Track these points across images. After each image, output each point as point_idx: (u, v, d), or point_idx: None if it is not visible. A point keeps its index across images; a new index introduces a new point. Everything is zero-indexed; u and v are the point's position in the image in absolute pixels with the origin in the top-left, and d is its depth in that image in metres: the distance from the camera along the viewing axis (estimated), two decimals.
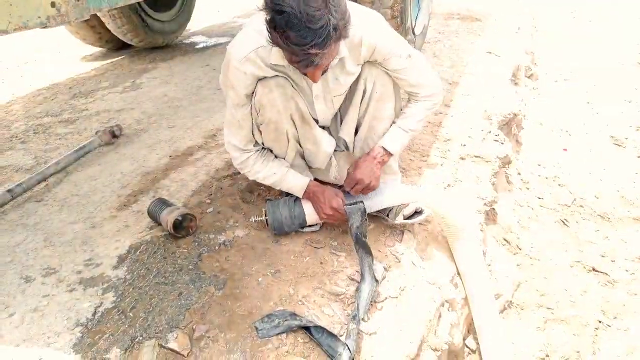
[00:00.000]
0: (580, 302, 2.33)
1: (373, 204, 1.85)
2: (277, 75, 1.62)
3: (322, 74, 1.55)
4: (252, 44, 1.54)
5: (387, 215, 1.94)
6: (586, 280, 2.47)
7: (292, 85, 1.66)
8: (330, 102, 1.76)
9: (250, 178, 1.84)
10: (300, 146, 1.84)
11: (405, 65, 1.72)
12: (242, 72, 1.57)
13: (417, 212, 1.91)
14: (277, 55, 1.52)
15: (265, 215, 1.83)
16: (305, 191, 1.82)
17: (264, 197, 2.09)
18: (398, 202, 1.88)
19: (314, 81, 1.53)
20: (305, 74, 1.51)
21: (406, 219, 1.90)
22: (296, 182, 1.82)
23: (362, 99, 1.80)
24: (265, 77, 1.62)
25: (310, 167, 1.96)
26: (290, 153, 1.83)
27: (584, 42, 6.06)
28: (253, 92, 1.64)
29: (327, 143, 1.86)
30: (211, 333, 1.48)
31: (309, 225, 1.89)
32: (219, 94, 3.41)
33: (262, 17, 1.36)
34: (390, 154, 1.82)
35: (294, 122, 1.73)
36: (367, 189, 1.79)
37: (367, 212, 1.75)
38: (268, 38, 1.37)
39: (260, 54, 1.55)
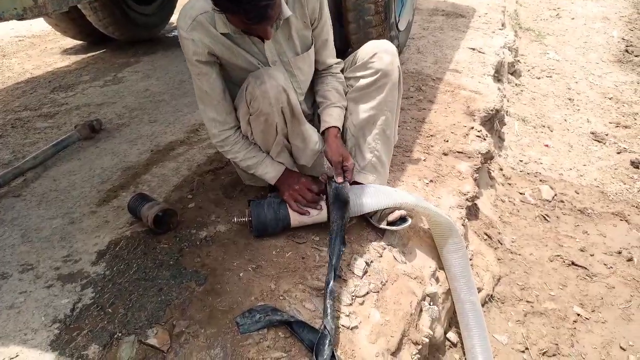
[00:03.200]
0: (559, 296, 2.37)
1: (358, 206, 1.83)
2: (266, 66, 1.67)
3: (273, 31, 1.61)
4: (197, 10, 1.58)
5: (371, 217, 1.93)
6: (565, 274, 2.51)
7: (287, 78, 1.72)
8: (289, 65, 1.78)
9: (227, 156, 1.86)
10: (288, 142, 1.84)
11: (330, 33, 1.87)
12: (190, 40, 1.59)
13: (401, 219, 1.89)
14: (221, 24, 1.58)
15: (249, 216, 1.79)
16: (279, 177, 1.83)
17: (246, 193, 2.08)
18: (384, 206, 1.86)
19: (268, 38, 1.58)
20: (257, 36, 1.59)
21: (389, 224, 1.89)
22: (273, 167, 1.83)
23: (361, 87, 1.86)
24: (254, 70, 1.66)
25: (296, 164, 1.96)
26: (276, 148, 1.82)
27: (566, 39, 6.14)
28: (208, 59, 1.64)
29: (315, 140, 1.86)
30: (191, 329, 1.47)
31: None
32: None
33: None
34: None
35: (284, 116, 1.72)
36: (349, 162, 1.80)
37: (352, 216, 1.81)
38: (214, 6, 1.45)
39: (208, 19, 1.58)
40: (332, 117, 1.86)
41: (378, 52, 1.81)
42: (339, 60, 1.96)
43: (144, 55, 4.24)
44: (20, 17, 1.68)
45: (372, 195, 1.84)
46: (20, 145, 2.68)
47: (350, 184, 1.86)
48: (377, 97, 1.85)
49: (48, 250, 1.83)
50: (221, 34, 1.60)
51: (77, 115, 3.04)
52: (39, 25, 5.02)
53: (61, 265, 1.75)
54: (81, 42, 4.61)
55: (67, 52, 4.46)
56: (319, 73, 1.95)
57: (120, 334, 1.45)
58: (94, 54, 4.35)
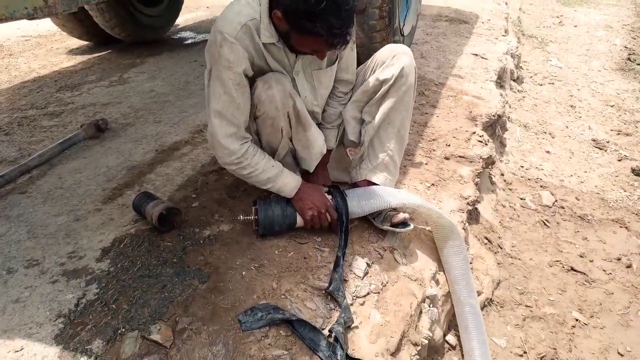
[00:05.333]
0: (558, 301, 2.39)
1: (363, 205, 1.87)
2: (275, 71, 1.68)
3: None
4: (245, 17, 1.56)
5: (374, 218, 1.96)
6: (564, 280, 2.52)
7: (295, 84, 1.75)
8: (311, 77, 1.80)
9: (244, 172, 1.73)
10: (292, 145, 1.87)
11: (354, 60, 1.93)
12: (237, 46, 1.55)
13: (403, 223, 1.92)
14: (267, 34, 1.58)
15: (255, 215, 1.80)
16: (297, 190, 1.82)
17: (249, 193, 2.10)
18: (389, 206, 1.89)
19: (323, 58, 1.65)
20: (309, 54, 1.64)
21: (392, 226, 1.91)
22: (291, 178, 1.80)
23: (382, 87, 1.88)
24: (263, 73, 1.67)
25: (298, 165, 1.98)
26: (282, 151, 1.84)
27: (569, 47, 6.16)
28: (246, 68, 1.61)
29: (318, 147, 1.89)
30: (194, 325, 1.49)
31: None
32: None
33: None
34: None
35: (289, 121, 1.74)
36: None
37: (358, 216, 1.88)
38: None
39: (254, 27, 1.58)
40: (327, 139, 1.97)
41: (397, 54, 1.85)
42: (350, 89, 1.99)
43: (149, 56, 4.28)
44: (31, 17, 1.71)
45: (377, 195, 1.87)
46: (26, 143, 2.71)
47: (361, 183, 1.96)
48: (395, 98, 1.88)
49: (53, 246, 1.85)
50: (264, 44, 1.61)
51: (82, 114, 3.07)
52: (46, 25, 5.06)
53: (66, 261, 1.77)
54: (87, 42, 4.65)
55: (73, 52, 4.50)
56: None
57: (123, 330, 1.47)
58: (99, 54, 4.39)
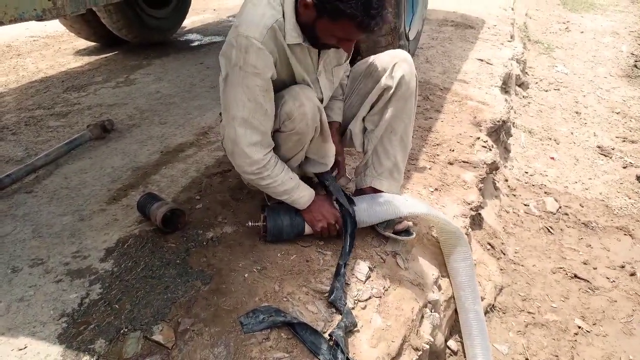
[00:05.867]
0: (560, 308, 2.38)
1: (371, 216, 1.87)
2: (298, 84, 1.67)
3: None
4: (270, 18, 1.50)
5: (377, 225, 1.95)
6: (567, 287, 2.51)
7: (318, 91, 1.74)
8: (331, 74, 1.80)
9: (263, 183, 1.69)
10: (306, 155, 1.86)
11: None
12: (265, 51, 1.49)
13: (406, 231, 1.92)
14: (294, 35, 1.54)
15: (263, 222, 1.80)
16: (311, 202, 1.81)
17: (253, 196, 2.11)
18: (396, 216, 1.89)
19: (350, 52, 1.62)
20: (336, 47, 1.60)
21: (395, 233, 1.92)
22: (306, 192, 1.78)
23: (383, 94, 1.87)
24: (289, 87, 1.64)
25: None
26: (294, 163, 1.83)
27: (575, 53, 6.16)
28: (273, 73, 1.55)
29: (333, 157, 1.89)
30: (196, 327, 1.50)
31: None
32: (212, 91, 3.43)
33: None
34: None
35: (314, 134, 1.72)
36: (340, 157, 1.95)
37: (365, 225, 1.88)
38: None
39: (280, 27, 1.52)
40: (334, 111, 1.94)
41: (397, 62, 1.83)
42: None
43: (155, 57, 4.30)
44: (40, 18, 1.73)
45: (386, 205, 1.87)
46: (33, 142, 2.73)
47: (366, 190, 1.97)
48: (397, 106, 1.87)
49: (58, 245, 1.87)
50: (288, 45, 1.56)
51: (89, 115, 3.09)
52: (53, 25, 5.09)
53: (70, 261, 1.78)
54: (94, 43, 4.68)
55: (80, 53, 4.53)
56: None
57: (126, 330, 1.48)
58: (106, 55, 4.41)
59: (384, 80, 1.84)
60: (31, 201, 2.17)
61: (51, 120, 3.03)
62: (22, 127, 2.93)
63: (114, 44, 4.59)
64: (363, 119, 1.97)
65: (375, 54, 1.96)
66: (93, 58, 4.35)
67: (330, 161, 1.88)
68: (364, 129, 1.99)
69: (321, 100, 1.76)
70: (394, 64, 1.83)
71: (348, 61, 1.88)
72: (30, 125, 2.95)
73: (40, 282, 1.68)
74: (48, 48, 4.75)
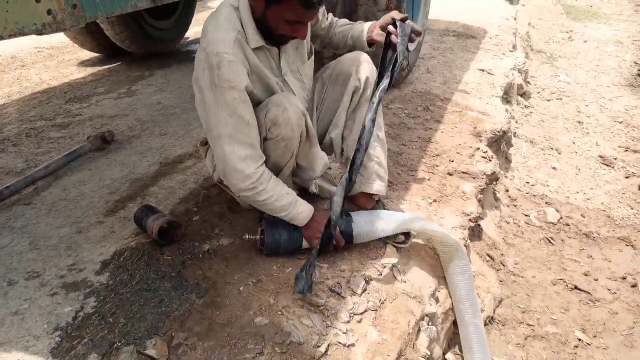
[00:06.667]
0: (560, 320, 2.36)
1: (367, 233, 1.88)
2: (278, 82, 1.72)
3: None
4: (233, 31, 1.56)
5: None
6: (568, 298, 2.49)
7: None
8: (298, 73, 1.84)
9: (260, 199, 1.67)
10: (296, 162, 1.88)
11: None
12: (238, 63, 1.54)
13: (406, 235, 1.95)
14: (256, 38, 1.61)
15: (261, 235, 1.79)
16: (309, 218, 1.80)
17: (250, 207, 2.10)
18: (392, 232, 1.90)
19: (304, 37, 1.65)
20: (291, 37, 1.65)
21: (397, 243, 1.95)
22: (304, 207, 1.78)
23: (352, 97, 1.92)
24: (273, 94, 1.69)
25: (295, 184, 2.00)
26: (287, 170, 1.84)
27: (578, 62, 6.15)
28: (247, 84, 1.59)
29: (322, 163, 1.91)
30: (189, 341, 1.49)
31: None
32: None
33: (225, 6, 1.58)
34: None
35: (300, 139, 1.74)
36: None
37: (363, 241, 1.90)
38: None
39: (242, 38, 1.59)
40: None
41: (360, 64, 1.88)
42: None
43: (157, 68, 4.33)
44: (39, 32, 1.74)
45: (383, 222, 1.88)
46: (33, 154, 2.75)
47: (359, 197, 2.02)
48: (367, 104, 1.88)
49: (54, 258, 1.87)
50: (253, 50, 1.62)
51: (90, 126, 3.11)
52: (58, 37, 5.14)
53: (66, 274, 1.78)
54: (98, 54, 4.72)
55: (83, 63, 4.57)
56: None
57: (119, 344, 1.48)
58: (109, 66, 4.45)
59: (352, 83, 1.88)
60: (29, 213, 2.18)
61: (52, 131, 3.05)
62: (23, 139, 2.95)
63: (117, 55, 4.63)
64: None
65: (374, 64, 1.99)
66: (96, 69, 4.39)
67: (320, 167, 1.90)
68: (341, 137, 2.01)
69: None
70: (356, 66, 1.88)
71: (313, 57, 1.92)
72: (32, 137, 2.97)
73: (35, 295, 1.69)
74: (52, 59, 4.79)
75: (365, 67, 1.88)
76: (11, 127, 3.11)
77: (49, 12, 1.64)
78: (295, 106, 1.65)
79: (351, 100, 1.92)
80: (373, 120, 1.71)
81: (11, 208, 2.21)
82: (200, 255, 1.85)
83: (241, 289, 1.68)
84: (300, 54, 1.85)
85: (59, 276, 1.77)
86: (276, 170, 1.81)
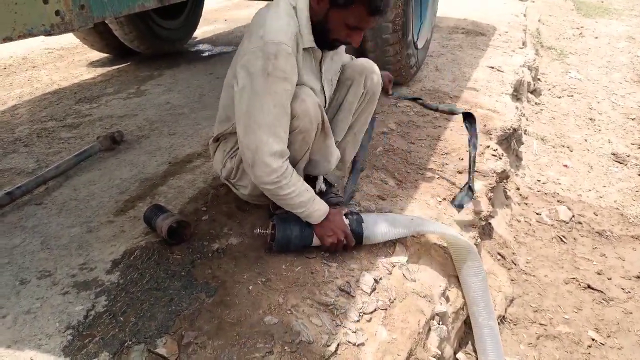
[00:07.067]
0: (573, 319, 2.33)
1: (377, 236, 1.88)
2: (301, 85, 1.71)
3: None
4: (294, 27, 1.58)
5: None
6: (581, 298, 2.46)
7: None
8: (330, 82, 1.87)
9: (282, 193, 1.66)
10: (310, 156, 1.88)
11: None
12: (294, 58, 1.56)
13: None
14: (308, 39, 1.63)
15: (272, 230, 1.79)
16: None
17: (258, 206, 2.10)
18: (403, 235, 1.92)
19: (358, 44, 1.65)
20: (348, 42, 1.65)
21: None
22: (321, 206, 1.77)
23: (360, 101, 1.96)
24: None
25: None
26: (302, 164, 1.84)
27: (589, 59, 6.08)
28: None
29: (336, 156, 1.92)
30: (199, 340, 1.49)
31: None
32: None
33: (284, 2, 1.60)
34: None
35: (317, 132, 1.74)
36: None
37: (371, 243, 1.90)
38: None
39: (299, 35, 1.60)
40: None
41: (368, 75, 1.91)
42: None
43: (166, 68, 4.35)
44: (48, 33, 1.75)
45: (394, 224, 1.88)
46: (44, 154, 2.77)
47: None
48: (369, 108, 2.02)
49: (66, 257, 1.88)
50: (304, 49, 1.64)
51: (100, 126, 3.13)
52: (68, 38, 5.18)
53: (77, 273, 1.79)
54: (107, 55, 4.75)
55: (93, 64, 4.60)
56: None
57: (130, 343, 1.48)
58: (118, 66, 4.48)
59: (353, 89, 1.93)
60: (41, 213, 2.19)
61: (63, 131, 3.07)
62: (34, 139, 2.98)
63: (126, 55, 4.66)
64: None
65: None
66: (105, 69, 4.42)
67: (334, 160, 1.91)
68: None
69: (324, 102, 1.83)
70: (363, 75, 1.92)
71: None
72: (42, 137, 3.00)
73: (47, 294, 1.70)
74: (62, 60, 4.83)
75: (372, 79, 1.92)
76: (23, 128, 3.14)
77: (57, 13, 1.64)
78: (312, 98, 1.66)
79: (357, 105, 1.96)
80: None
81: (23, 208, 2.23)
82: (210, 255, 1.85)
83: (250, 288, 1.68)
84: (336, 64, 1.87)
85: (70, 275, 1.78)
86: (293, 164, 1.79)
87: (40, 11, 1.63)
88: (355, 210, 1.95)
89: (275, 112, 1.56)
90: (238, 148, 1.79)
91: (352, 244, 1.83)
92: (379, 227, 1.86)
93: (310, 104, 1.63)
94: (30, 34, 1.66)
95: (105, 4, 1.83)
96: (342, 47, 1.88)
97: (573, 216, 3.12)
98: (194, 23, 5.07)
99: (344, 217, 1.84)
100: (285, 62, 1.52)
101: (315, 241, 1.82)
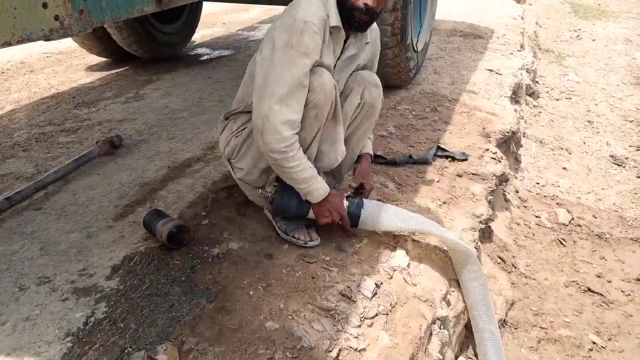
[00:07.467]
0: (574, 323, 2.33)
1: (375, 223, 1.90)
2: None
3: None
4: (323, 11, 1.67)
5: None
6: (581, 301, 2.46)
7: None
8: (343, 70, 1.89)
9: (287, 165, 1.69)
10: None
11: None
12: (319, 38, 1.63)
13: None
14: (335, 18, 1.69)
15: (274, 193, 1.83)
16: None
17: (258, 211, 2.10)
18: (400, 230, 1.95)
19: (373, 3, 1.68)
20: (361, 8, 1.68)
21: None
22: (322, 185, 1.79)
23: (356, 113, 1.96)
24: None
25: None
26: (313, 148, 1.84)
27: (587, 61, 6.10)
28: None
29: (342, 148, 1.92)
30: (200, 346, 1.48)
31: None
32: (220, 105, 3.45)
33: None
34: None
35: (329, 113, 1.76)
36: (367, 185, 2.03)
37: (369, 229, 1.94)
38: None
39: (327, 20, 1.68)
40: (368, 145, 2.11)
41: (367, 86, 1.92)
42: None
43: (165, 72, 4.34)
44: (47, 38, 1.74)
45: (390, 216, 1.89)
46: (43, 159, 2.76)
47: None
48: (366, 123, 2.01)
49: (65, 263, 1.87)
50: (332, 26, 1.69)
51: (98, 130, 3.12)
52: (66, 42, 5.17)
53: (77, 279, 1.78)
54: (105, 59, 4.74)
55: (91, 68, 4.59)
56: None
57: (130, 349, 1.47)
58: (117, 70, 4.47)
59: (354, 100, 1.93)
60: (40, 218, 2.18)
61: (61, 136, 3.06)
62: (32, 144, 2.96)
63: (124, 59, 4.64)
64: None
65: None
66: (104, 74, 4.40)
67: (341, 152, 1.91)
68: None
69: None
70: (363, 87, 1.92)
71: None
72: (41, 142, 2.99)
73: (46, 300, 1.69)
74: (60, 64, 4.82)
75: (372, 91, 1.93)
76: (21, 133, 3.13)
77: (56, 17, 1.63)
78: (329, 75, 1.70)
79: (352, 115, 1.97)
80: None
81: (22, 213, 2.22)
82: (210, 260, 1.84)
83: (251, 293, 1.68)
84: (357, 58, 1.92)
85: (69, 281, 1.77)
86: (304, 145, 1.80)
87: (39, 16, 1.62)
88: (356, 195, 1.96)
89: (291, 85, 1.61)
90: (244, 128, 1.86)
91: (348, 226, 1.87)
92: (377, 215, 1.88)
93: (327, 79, 1.67)
94: (29, 39, 1.65)
95: (104, 9, 1.82)
96: (367, 50, 1.94)
97: (572, 219, 3.12)
98: (192, 27, 5.06)
99: (345, 199, 1.87)
100: (310, 39, 1.60)
101: (312, 214, 1.87)
